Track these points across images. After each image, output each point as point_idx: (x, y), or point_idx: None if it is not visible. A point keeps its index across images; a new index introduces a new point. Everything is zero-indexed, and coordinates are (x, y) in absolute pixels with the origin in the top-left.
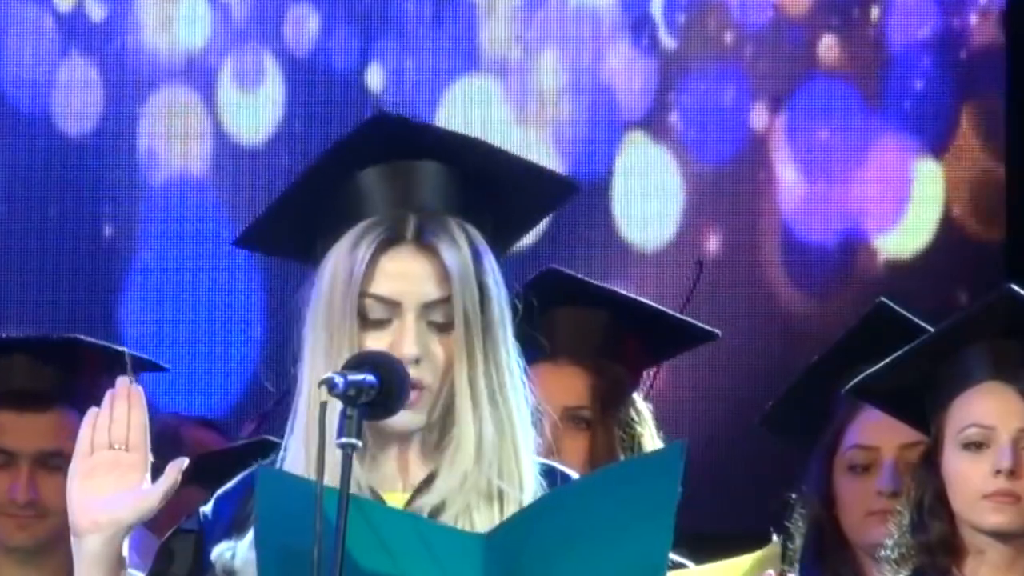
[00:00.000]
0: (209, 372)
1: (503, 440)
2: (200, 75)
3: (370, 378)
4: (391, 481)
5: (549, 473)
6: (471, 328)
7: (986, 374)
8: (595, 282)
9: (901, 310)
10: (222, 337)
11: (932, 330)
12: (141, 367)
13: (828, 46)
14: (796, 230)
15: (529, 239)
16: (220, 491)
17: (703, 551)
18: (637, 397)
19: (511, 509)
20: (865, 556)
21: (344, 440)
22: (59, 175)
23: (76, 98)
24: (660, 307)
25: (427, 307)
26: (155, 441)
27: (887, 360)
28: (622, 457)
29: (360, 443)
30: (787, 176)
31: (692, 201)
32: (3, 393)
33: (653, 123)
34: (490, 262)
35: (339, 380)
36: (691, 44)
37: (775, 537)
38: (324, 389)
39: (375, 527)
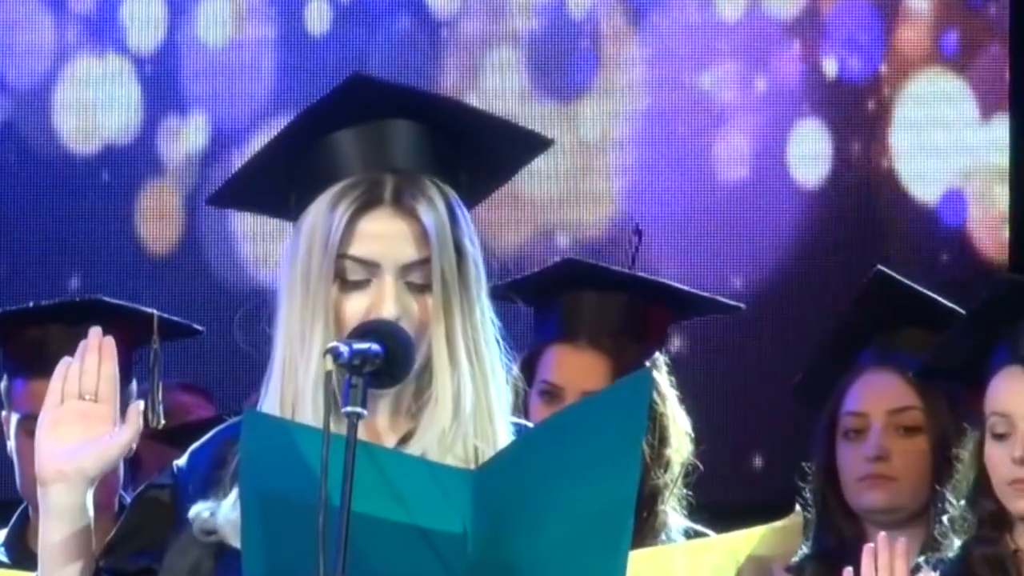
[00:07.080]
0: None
1: (479, 398)
2: None
3: (375, 347)
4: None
5: (520, 431)
6: (449, 288)
7: (1007, 358)
8: (612, 267)
9: (899, 276)
10: None
11: (934, 297)
12: (174, 331)
13: None
14: None
15: None
16: (194, 445)
17: (724, 521)
18: (660, 379)
19: None
20: (866, 521)
21: (350, 409)
22: None
23: None
24: (680, 285)
25: (405, 268)
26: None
27: (938, 341)
28: (644, 444)
29: (365, 412)
30: None
31: None
32: (36, 361)
33: None
34: (466, 221)
35: (344, 349)
36: None
37: (797, 507)
38: (329, 358)
39: (368, 466)
